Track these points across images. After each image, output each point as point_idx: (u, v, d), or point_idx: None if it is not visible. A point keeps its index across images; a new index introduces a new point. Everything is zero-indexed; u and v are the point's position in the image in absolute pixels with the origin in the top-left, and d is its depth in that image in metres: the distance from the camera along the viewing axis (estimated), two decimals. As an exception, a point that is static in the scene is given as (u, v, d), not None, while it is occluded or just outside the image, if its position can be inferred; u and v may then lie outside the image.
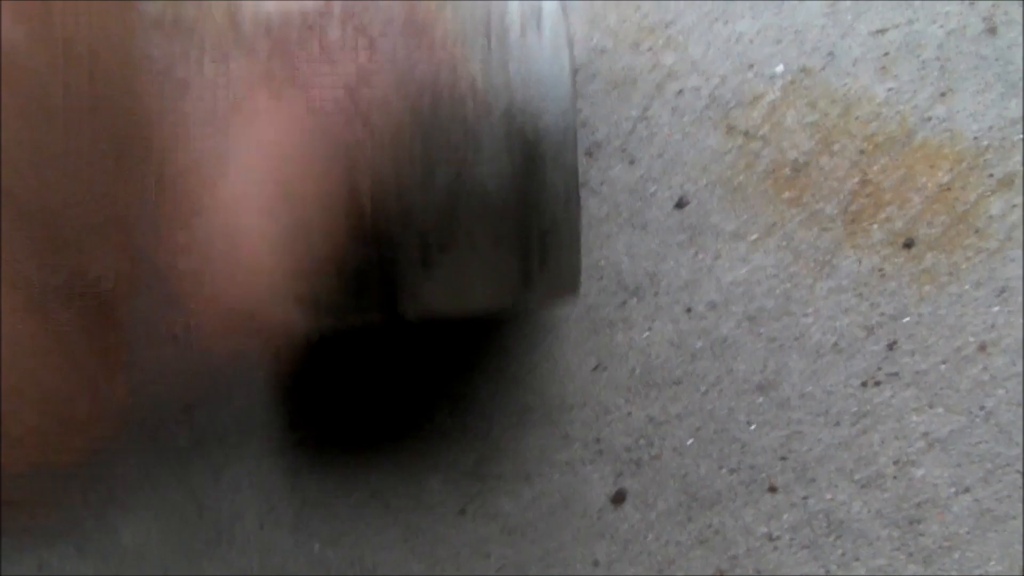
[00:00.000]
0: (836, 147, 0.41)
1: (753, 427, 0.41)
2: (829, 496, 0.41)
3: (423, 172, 0.28)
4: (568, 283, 0.32)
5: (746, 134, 0.41)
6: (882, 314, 0.40)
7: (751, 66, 0.42)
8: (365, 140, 0.27)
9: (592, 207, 0.42)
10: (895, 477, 0.40)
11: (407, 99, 0.27)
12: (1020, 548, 0.40)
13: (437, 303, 0.31)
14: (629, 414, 0.42)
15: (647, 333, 0.42)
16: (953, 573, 0.40)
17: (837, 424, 0.40)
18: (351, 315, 0.30)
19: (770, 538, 0.41)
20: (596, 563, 0.41)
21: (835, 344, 0.40)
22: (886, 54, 0.41)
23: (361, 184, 0.28)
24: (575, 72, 0.29)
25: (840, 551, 0.40)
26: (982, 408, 0.40)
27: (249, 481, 0.41)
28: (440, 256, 0.30)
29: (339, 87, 0.27)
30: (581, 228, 0.30)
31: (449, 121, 0.28)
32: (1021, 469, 0.39)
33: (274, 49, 0.27)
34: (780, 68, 0.42)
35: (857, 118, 0.41)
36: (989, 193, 0.40)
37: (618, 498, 0.41)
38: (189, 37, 0.26)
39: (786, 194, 0.41)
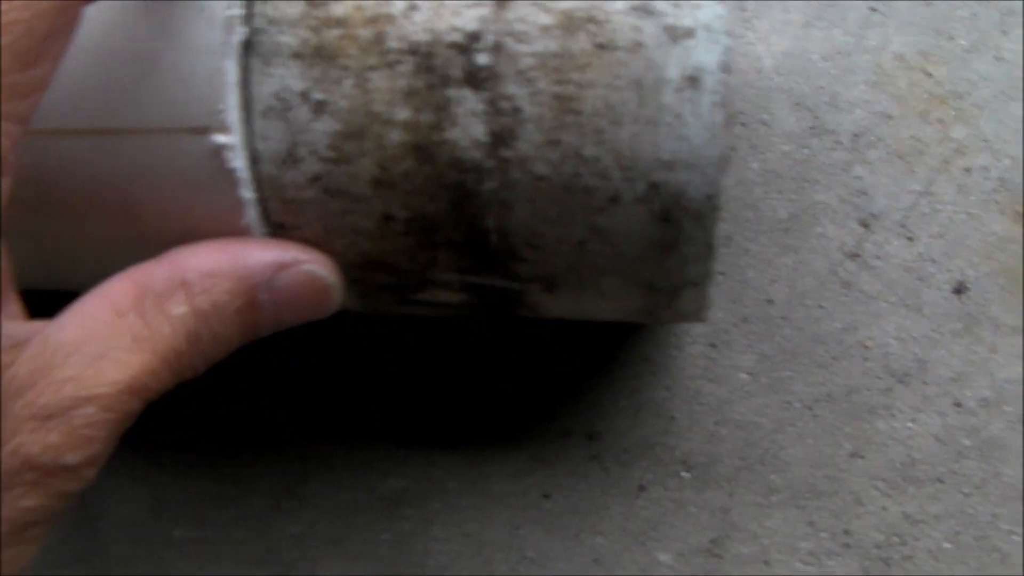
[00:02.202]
0: None
1: (1016, 538, 0.38)
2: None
3: (558, 222, 0.28)
4: (694, 317, 0.32)
5: (1036, 224, 0.39)
6: None
7: (1048, 153, 0.39)
8: (500, 188, 0.28)
9: (863, 282, 0.39)
10: None
11: (549, 163, 0.28)
12: None
13: (555, 314, 0.32)
14: (884, 508, 0.39)
15: (911, 424, 0.39)
16: None
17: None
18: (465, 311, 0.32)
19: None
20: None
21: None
22: None
23: (488, 222, 0.28)
24: (731, 130, 0.28)
25: None
26: None
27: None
28: (564, 290, 0.30)
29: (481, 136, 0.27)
30: (712, 283, 0.30)
31: (591, 184, 0.28)
32: None
33: (419, 68, 0.27)
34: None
35: None
36: None
37: (861, 597, 0.38)
38: (331, 61, 0.27)
39: (1074, 293, 0.39)
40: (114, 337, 0.26)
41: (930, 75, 0.40)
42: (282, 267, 0.29)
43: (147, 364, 0.26)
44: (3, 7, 0.23)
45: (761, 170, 0.40)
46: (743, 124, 0.40)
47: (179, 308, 0.27)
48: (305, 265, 0.29)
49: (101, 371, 0.25)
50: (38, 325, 0.26)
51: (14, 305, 0.26)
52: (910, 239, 0.40)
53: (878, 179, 0.40)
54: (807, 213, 0.40)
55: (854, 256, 0.40)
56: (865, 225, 0.40)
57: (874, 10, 0.41)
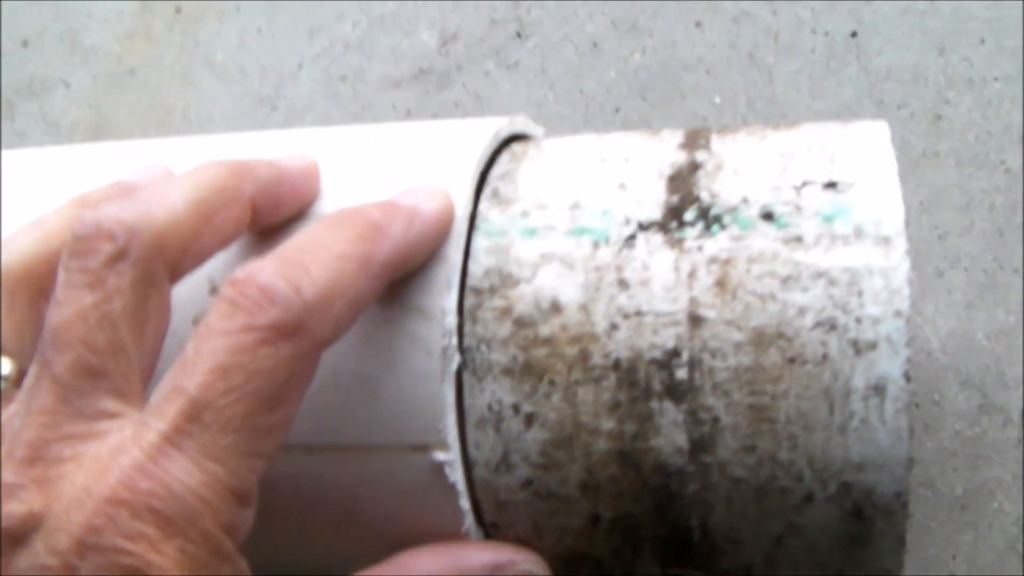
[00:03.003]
0: None
1: None
2: None
3: (756, 520, 0.30)
4: None
5: None
6: None
7: None
8: (701, 489, 0.30)
9: None
10: None
11: (746, 466, 0.29)
12: None
13: None
14: None
15: None
16: None
17: None
18: None
19: None
20: None
21: None
22: None
23: (691, 521, 0.30)
24: (913, 436, 0.29)
25: None
26: None
27: None
28: None
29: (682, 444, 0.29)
30: (903, 570, 0.31)
31: (786, 486, 0.29)
32: None
33: (621, 382, 0.29)
34: None
35: None
36: None
37: None
38: (540, 377, 0.29)
39: None
40: None
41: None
42: (499, 567, 0.31)
43: None
44: (247, 358, 0.24)
45: (936, 448, 0.41)
46: (917, 405, 0.41)
47: None
48: (520, 564, 0.31)
49: None
50: None
51: None
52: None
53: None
54: (983, 490, 0.41)
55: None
56: None
57: (1033, 289, 0.43)
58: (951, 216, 0.45)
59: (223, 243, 0.30)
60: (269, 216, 0.32)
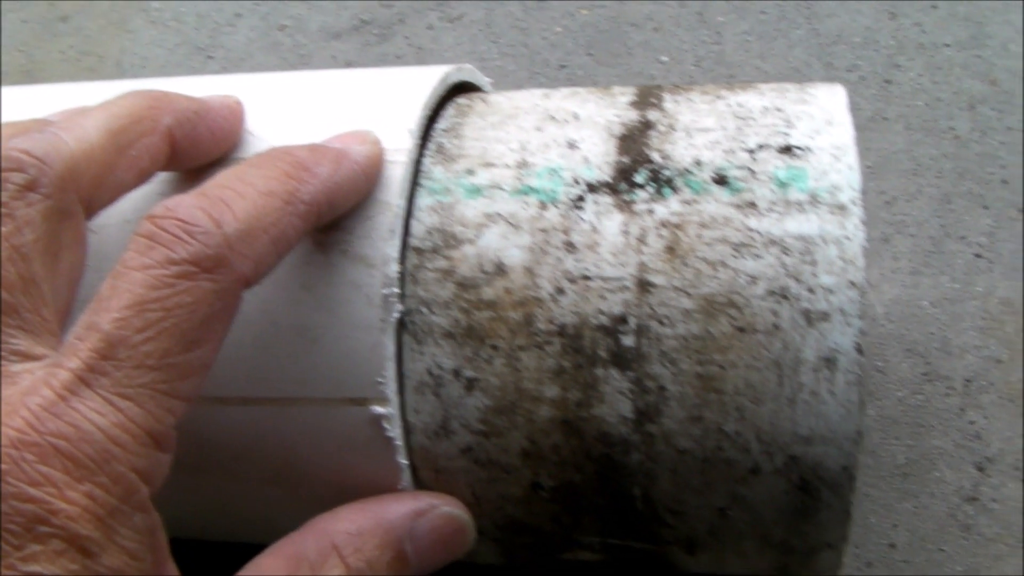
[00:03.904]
0: None
1: None
2: None
3: (700, 491, 0.29)
4: (826, 574, 0.32)
5: None
6: None
7: None
8: (645, 460, 0.29)
9: (982, 525, 0.39)
10: None
11: (692, 437, 0.29)
12: None
13: (693, 571, 0.32)
14: None
15: (1037, 670, 0.38)
16: None
17: None
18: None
19: None
20: None
21: None
22: None
23: (634, 491, 0.30)
24: (864, 410, 0.29)
25: None
26: None
27: None
28: (705, 551, 0.31)
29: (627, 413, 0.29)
30: (847, 543, 0.31)
31: (732, 457, 0.29)
32: None
33: (566, 348, 0.28)
34: None
35: None
36: None
37: None
38: (482, 341, 0.29)
39: None
40: None
41: (1037, 319, 0.42)
42: (420, 514, 0.30)
43: None
44: (165, 292, 0.23)
45: (878, 416, 0.41)
46: (860, 373, 0.41)
47: (333, 571, 0.28)
48: (441, 508, 0.30)
49: None
50: None
51: None
52: (1026, 482, 0.40)
53: (991, 423, 0.41)
54: (925, 458, 0.40)
55: (972, 500, 0.40)
56: (981, 469, 0.40)
57: (979, 256, 0.42)
58: (899, 181, 0.44)
59: (140, 176, 0.29)
60: (188, 153, 0.31)
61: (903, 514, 0.40)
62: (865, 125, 0.45)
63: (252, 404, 0.30)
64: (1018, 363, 0.41)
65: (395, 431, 0.30)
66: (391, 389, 0.30)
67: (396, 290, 0.30)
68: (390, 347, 0.30)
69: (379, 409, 0.30)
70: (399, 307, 0.30)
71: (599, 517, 0.31)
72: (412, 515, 0.30)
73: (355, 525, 0.29)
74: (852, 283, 0.28)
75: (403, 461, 0.30)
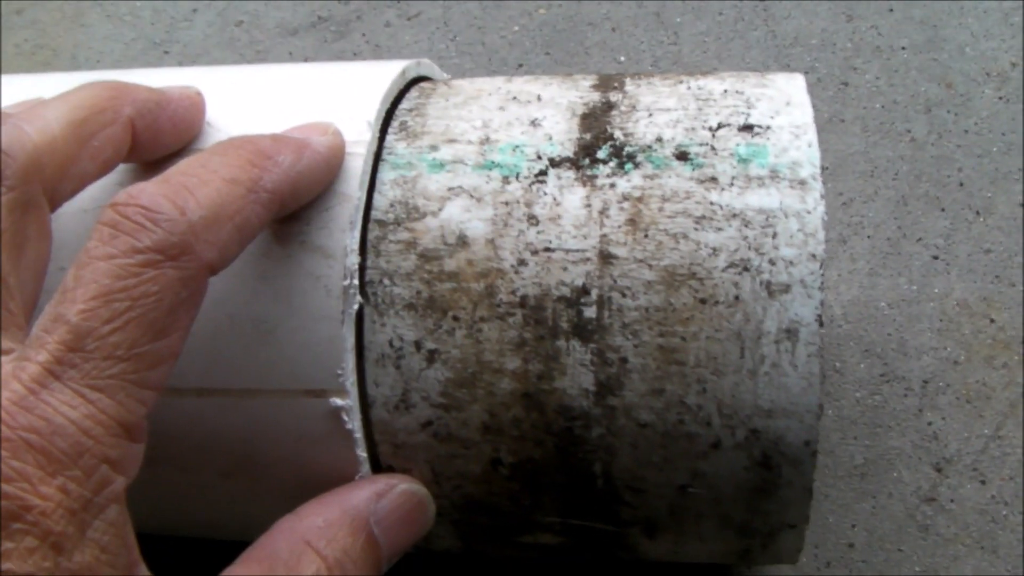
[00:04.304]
0: None
1: None
2: None
3: (660, 467, 0.29)
4: (788, 558, 0.32)
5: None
6: None
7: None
8: (606, 434, 0.29)
9: (940, 525, 0.40)
10: None
11: (653, 410, 0.29)
12: None
13: (653, 557, 0.32)
14: None
15: (995, 671, 0.38)
16: None
17: None
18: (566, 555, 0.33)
19: None
20: None
21: None
22: None
23: (595, 467, 0.29)
24: (824, 383, 0.29)
25: None
26: None
27: None
28: (664, 534, 0.31)
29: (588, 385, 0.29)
30: (808, 524, 0.31)
31: (693, 431, 0.29)
32: None
33: (528, 320, 0.28)
34: None
35: None
36: None
37: None
38: (443, 313, 0.28)
39: None
40: None
41: (993, 321, 0.42)
42: (380, 495, 0.30)
43: None
44: (131, 282, 0.23)
45: (836, 416, 0.41)
46: (818, 371, 0.41)
47: (311, 567, 0.27)
48: (399, 486, 0.30)
49: None
50: None
51: None
52: (983, 482, 0.40)
53: (949, 424, 0.41)
54: (882, 458, 0.40)
55: (930, 500, 0.40)
56: (939, 469, 0.40)
57: (936, 258, 0.43)
58: (856, 183, 0.45)
59: (103, 167, 0.29)
60: (149, 144, 0.30)
61: (861, 514, 0.40)
62: (822, 127, 0.45)
63: (208, 395, 0.30)
64: (975, 364, 0.41)
65: (354, 422, 0.29)
66: (350, 379, 0.29)
67: (355, 281, 0.29)
68: (349, 339, 0.29)
69: (338, 401, 0.29)
70: (359, 299, 0.29)
71: (559, 496, 0.31)
72: (373, 497, 0.30)
73: (321, 518, 0.29)
74: (813, 255, 0.29)
75: (363, 454, 0.30)
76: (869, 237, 0.43)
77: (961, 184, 0.44)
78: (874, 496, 0.40)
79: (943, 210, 0.44)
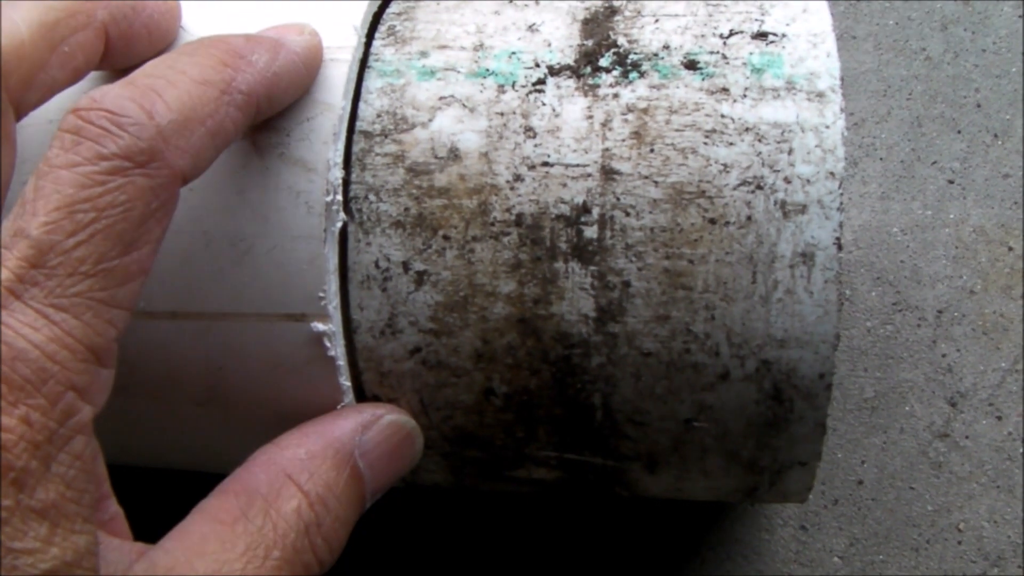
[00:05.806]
0: None
1: None
2: None
3: (664, 399, 0.27)
4: (796, 497, 0.30)
5: None
6: None
7: None
8: (606, 363, 0.27)
9: (953, 462, 0.38)
10: None
11: (657, 338, 0.27)
12: None
13: (653, 493, 0.31)
14: None
15: (1007, 611, 0.37)
16: None
17: None
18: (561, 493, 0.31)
19: None
20: None
21: None
22: None
23: (594, 399, 0.27)
24: (841, 310, 0.27)
25: None
26: None
27: None
28: (667, 469, 0.29)
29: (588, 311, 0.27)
30: (820, 461, 0.29)
31: (700, 361, 0.27)
32: None
33: (524, 240, 0.26)
34: None
35: None
36: None
37: None
38: (433, 231, 0.26)
39: None
40: (224, 551, 0.24)
41: (1011, 248, 0.40)
42: (366, 427, 0.28)
43: (270, 570, 0.24)
44: (96, 191, 0.21)
45: (846, 347, 0.39)
46: (829, 299, 0.39)
47: (291, 502, 0.26)
48: (385, 417, 0.28)
49: None
50: (139, 547, 0.24)
51: (120, 523, 0.25)
52: (999, 418, 0.39)
53: (964, 356, 0.39)
54: (894, 392, 0.39)
55: (943, 436, 0.38)
56: (953, 404, 0.39)
57: (951, 182, 0.41)
58: (868, 102, 0.42)
59: (73, 75, 0.26)
60: (122, 52, 0.28)
61: (871, 450, 0.38)
62: (836, 44, 0.43)
63: (181, 319, 0.28)
64: (992, 294, 0.39)
65: (337, 348, 0.27)
66: (333, 303, 0.27)
67: (339, 197, 0.27)
68: (332, 259, 0.27)
69: (320, 326, 0.27)
70: (343, 216, 0.27)
71: (555, 428, 0.29)
72: (358, 429, 0.28)
73: (303, 450, 0.27)
74: (831, 173, 0.27)
75: (346, 383, 0.28)
76: (882, 159, 0.41)
77: (978, 105, 0.42)
78: (885, 431, 0.38)
79: (959, 132, 0.41)
